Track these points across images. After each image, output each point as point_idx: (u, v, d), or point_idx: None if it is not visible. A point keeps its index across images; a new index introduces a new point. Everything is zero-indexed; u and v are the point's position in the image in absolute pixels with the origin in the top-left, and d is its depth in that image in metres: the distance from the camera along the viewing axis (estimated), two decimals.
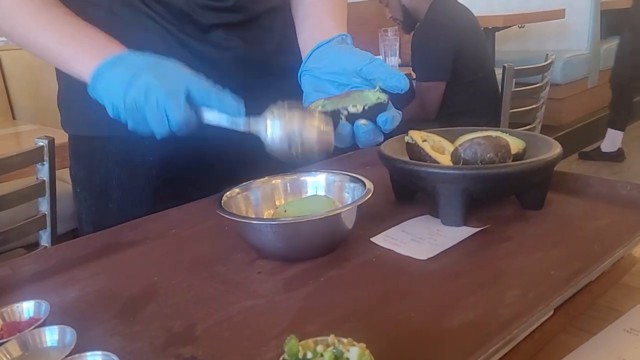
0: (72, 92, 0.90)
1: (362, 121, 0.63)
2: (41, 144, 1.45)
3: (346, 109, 0.63)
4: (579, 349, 0.47)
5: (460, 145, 0.70)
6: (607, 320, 0.50)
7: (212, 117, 0.62)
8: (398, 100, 0.71)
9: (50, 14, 0.71)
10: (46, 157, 1.45)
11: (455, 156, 0.70)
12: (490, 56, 2.86)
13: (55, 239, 1.55)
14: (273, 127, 0.59)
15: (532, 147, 0.75)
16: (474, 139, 0.69)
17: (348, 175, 0.70)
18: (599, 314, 0.52)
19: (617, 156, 3.45)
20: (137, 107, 0.61)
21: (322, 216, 0.61)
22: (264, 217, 0.70)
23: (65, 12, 0.72)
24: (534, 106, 2.51)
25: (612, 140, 3.46)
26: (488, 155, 0.67)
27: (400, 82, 0.64)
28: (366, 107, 0.62)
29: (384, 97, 0.63)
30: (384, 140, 0.79)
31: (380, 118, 0.63)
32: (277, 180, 0.73)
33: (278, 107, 0.60)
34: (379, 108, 0.63)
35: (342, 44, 0.75)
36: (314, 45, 0.75)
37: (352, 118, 0.63)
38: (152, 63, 0.64)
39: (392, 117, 0.63)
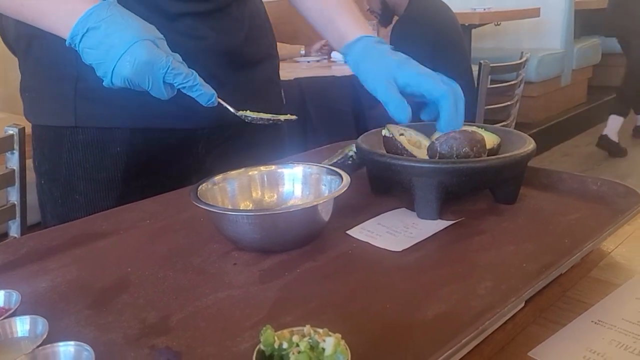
0: (37, 81, 0.88)
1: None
2: (11, 132, 1.41)
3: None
4: (549, 340, 0.48)
5: (436, 139, 0.70)
6: (576, 312, 0.52)
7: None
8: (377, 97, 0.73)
9: None
10: (16, 146, 1.42)
11: (431, 150, 0.70)
12: (468, 53, 2.89)
13: (25, 229, 1.52)
14: None
15: (507, 143, 0.76)
16: (450, 134, 0.69)
17: (325, 167, 0.70)
18: (569, 306, 0.53)
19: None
20: (126, 83, 0.66)
21: (299, 208, 0.61)
22: (241, 208, 0.70)
23: None
24: (508, 103, 2.54)
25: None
26: (464, 150, 0.68)
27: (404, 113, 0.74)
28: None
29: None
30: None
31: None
32: (254, 172, 0.72)
33: None
34: None
35: (382, 45, 0.81)
36: (354, 35, 0.81)
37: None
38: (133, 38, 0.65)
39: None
